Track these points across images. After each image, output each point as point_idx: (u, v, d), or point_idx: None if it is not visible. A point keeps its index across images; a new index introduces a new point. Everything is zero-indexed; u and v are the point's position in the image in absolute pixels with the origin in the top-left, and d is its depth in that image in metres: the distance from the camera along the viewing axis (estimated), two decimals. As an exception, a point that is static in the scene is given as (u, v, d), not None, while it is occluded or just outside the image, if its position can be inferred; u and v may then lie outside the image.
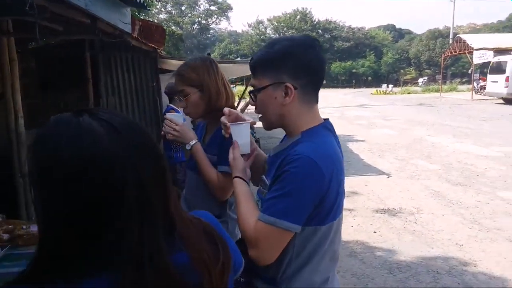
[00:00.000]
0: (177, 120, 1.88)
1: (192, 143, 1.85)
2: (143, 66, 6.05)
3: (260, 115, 1.35)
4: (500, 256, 3.81)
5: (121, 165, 0.63)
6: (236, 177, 1.39)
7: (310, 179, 1.15)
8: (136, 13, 9.87)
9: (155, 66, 6.01)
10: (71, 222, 0.61)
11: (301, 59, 1.26)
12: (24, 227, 2.12)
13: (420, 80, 45.37)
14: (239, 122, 1.48)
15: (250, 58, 1.36)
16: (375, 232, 4.42)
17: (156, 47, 5.49)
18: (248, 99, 8.68)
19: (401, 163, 7.64)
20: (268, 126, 1.35)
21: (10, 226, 2.12)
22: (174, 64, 6.16)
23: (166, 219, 0.69)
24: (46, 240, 0.64)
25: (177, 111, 3.92)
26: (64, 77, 6.00)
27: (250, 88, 1.41)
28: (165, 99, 6.46)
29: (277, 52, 1.26)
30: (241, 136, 1.46)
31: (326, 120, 1.36)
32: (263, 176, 1.36)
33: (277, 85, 1.26)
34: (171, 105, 4.78)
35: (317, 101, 1.32)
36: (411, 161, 7.72)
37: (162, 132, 1.92)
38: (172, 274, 0.65)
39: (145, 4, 3.39)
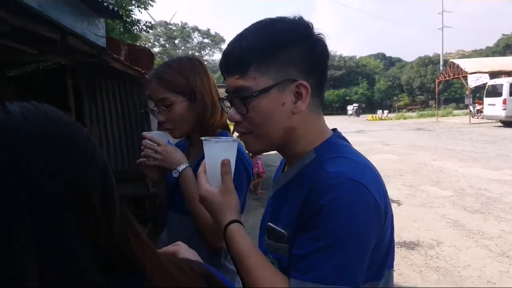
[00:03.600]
0: (158, 138, 1.37)
1: (180, 168, 1.33)
2: (130, 93, 5.64)
3: (245, 133, 0.87)
4: (544, 297, 3.28)
5: (6, 160, 0.43)
6: (233, 221, 0.87)
7: (364, 212, 0.74)
8: (126, 39, 9.56)
9: (143, 92, 5.60)
10: None
11: (313, 46, 0.83)
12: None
13: (350, 108, 41.11)
14: (224, 138, 0.96)
15: (230, 44, 0.86)
16: (394, 270, 3.86)
17: (144, 72, 5.08)
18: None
19: (410, 189, 7.14)
20: (264, 148, 0.88)
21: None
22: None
23: (105, 250, 0.48)
24: None
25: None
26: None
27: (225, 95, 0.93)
28: (154, 128, 6.02)
29: (281, 34, 0.82)
30: (232, 158, 0.94)
31: (334, 129, 0.95)
32: (269, 223, 0.87)
33: (285, 84, 0.81)
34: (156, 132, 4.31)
35: (322, 106, 0.92)
36: (420, 188, 7.22)
37: (142, 153, 1.41)
38: None
39: (121, 14, 2.99)
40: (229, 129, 1.53)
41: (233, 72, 0.84)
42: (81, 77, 5.35)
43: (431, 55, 56.38)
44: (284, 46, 0.82)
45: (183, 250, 0.76)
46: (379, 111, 35.68)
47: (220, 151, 0.92)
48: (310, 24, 0.86)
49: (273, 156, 8.60)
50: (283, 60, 0.82)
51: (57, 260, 0.44)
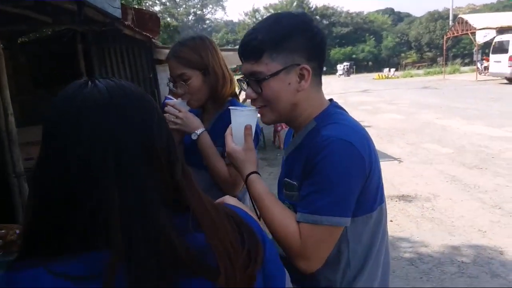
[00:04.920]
0: (180, 106, 1.61)
1: (198, 131, 1.58)
2: (139, 57, 5.80)
3: (259, 107, 1.11)
4: (528, 242, 3.57)
5: (96, 123, 0.60)
6: (252, 173, 1.13)
7: (349, 164, 0.98)
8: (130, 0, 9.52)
9: (151, 56, 5.75)
10: (58, 188, 0.59)
11: (313, 37, 1.05)
12: (18, 231, 1.89)
13: (339, 67, 39.41)
14: (248, 108, 1.20)
15: (246, 36, 1.08)
16: (391, 221, 4.17)
17: (151, 36, 5.20)
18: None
19: (411, 147, 7.37)
20: (276, 119, 1.12)
21: (2, 231, 1.89)
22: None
23: (168, 191, 0.64)
24: (34, 209, 0.61)
25: None
26: (57, 72, 5.75)
27: (241, 76, 1.15)
28: (163, 91, 6.21)
29: (288, 28, 1.04)
30: (253, 123, 1.19)
31: (331, 100, 1.18)
32: (285, 178, 1.13)
33: (290, 68, 1.03)
34: (169, 96, 4.53)
35: (321, 83, 1.15)
36: (422, 145, 7.45)
37: None
38: (178, 250, 0.59)
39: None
40: (237, 96, 1.77)
41: (249, 59, 1.06)
42: (90, 42, 5.49)
43: (440, 10, 54.72)
44: (290, 38, 1.03)
45: (227, 198, 0.98)
46: (386, 69, 35.22)
47: (243, 118, 1.16)
48: (312, 18, 1.09)
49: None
50: (289, 49, 1.03)
51: (134, 193, 0.59)
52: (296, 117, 1.11)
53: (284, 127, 7.79)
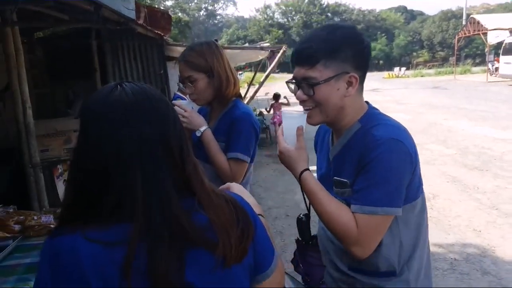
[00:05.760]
0: (186, 106, 1.80)
1: (202, 129, 1.77)
2: (150, 54, 5.97)
3: (308, 109, 1.22)
4: (521, 242, 3.68)
5: (124, 121, 0.73)
6: (305, 170, 1.22)
7: (400, 160, 1.11)
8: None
9: (162, 53, 5.92)
10: (91, 172, 0.73)
11: (363, 49, 1.19)
12: (35, 217, 2.10)
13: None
14: (297, 110, 1.30)
15: (302, 44, 1.19)
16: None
17: (162, 34, 5.37)
18: (257, 85, 8.55)
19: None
20: (323, 120, 1.24)
21: (21, 217, 2.10)
22: (181, 51, 6.03)
23: (179, 179, 0.76)
24: (73, 188, 0.75)
25: (184, 99, 3.82)
26: (71, 66, 5.98)
27: (291, 79, 1.26)
28: (172, 87, 6.39)
29: (342, 40, 1.16)
30: (303, 124, 1.28)
31: (367, 102, 1.29)
32: (335, 177, 1.25)
33: (341, 76, 1.16)
34: (178, 93, 4.71)
35: (363, 89, 1.26)
36: (427, 146, 7.54)
37: None
38: (185, 226, 0.72)
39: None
40: (241, 97, 1.94)
41: (303, 64, 1.18)
42: (104, 39, 5.67)
43: (454, 9, 53.97)
44: (343, 49, 1.15)
45: (232, 185, 1.06)
46: (396, 69, 34.98)
47: (294, 120, 1.26)
48: (361, 32, 1.23)
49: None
50: (341, 58, 1.15)
51: (153, 178, 0.72)
52: (341, 119, 1.22)
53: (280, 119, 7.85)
